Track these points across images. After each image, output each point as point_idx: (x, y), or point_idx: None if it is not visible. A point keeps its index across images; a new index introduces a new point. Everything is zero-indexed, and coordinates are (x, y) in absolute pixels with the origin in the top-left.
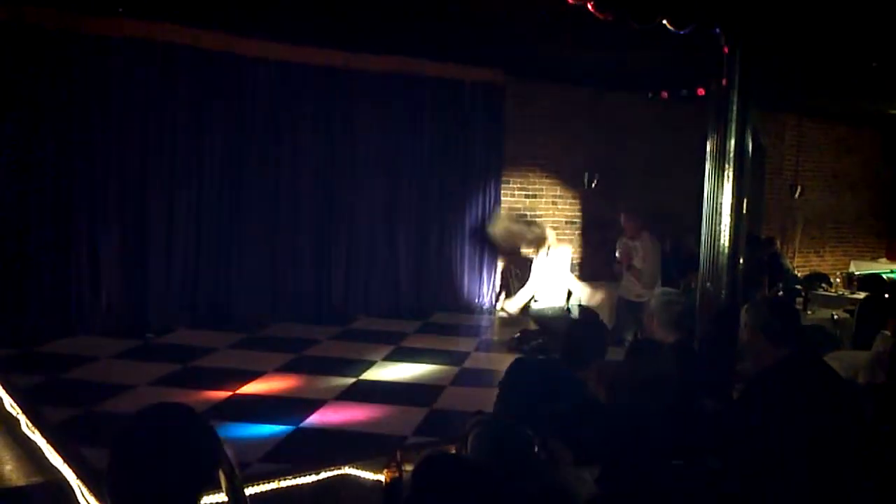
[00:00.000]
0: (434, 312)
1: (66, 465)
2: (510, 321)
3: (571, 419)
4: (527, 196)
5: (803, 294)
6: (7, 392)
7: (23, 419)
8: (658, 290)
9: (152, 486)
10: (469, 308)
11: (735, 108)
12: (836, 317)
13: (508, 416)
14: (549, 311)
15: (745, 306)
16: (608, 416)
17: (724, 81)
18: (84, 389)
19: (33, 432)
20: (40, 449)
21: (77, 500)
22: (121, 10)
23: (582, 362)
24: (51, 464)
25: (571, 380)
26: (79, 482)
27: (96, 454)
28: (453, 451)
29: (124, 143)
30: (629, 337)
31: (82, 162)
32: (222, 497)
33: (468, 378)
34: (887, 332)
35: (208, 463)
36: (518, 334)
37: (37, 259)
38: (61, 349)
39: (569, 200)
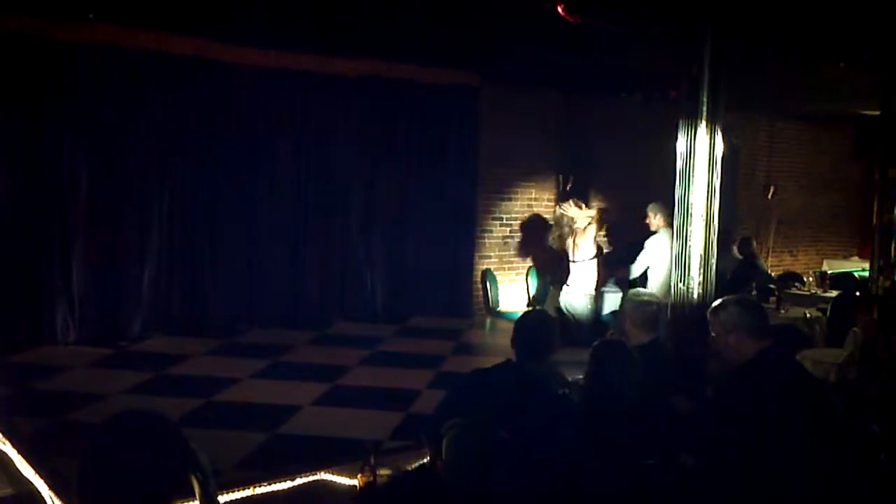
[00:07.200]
0: (411, 316)
1: (37, 477)
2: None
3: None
4: (501, 199)
5: (776, 293)
6: None
7: None
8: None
9: (123, 493)
10: (445, 311)
11: (705, 108)
12: (808, 315)
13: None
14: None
15: (711, 308)
16: (579, 416)
17: (693, 81)
18: (57, 399)
19: (4, 443)
20: (12, 460)
21: None
22: (91, 16)
23: (539, 359)
24: (22, 475)
25: (537, 376)
26: (51, 493)
27: (69, 465)
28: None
29: (96, 150)
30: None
31: (53, 168)
32: None
33: (445, 381)
34: (857, 330)
35: (180, 470)
36: None
37: (8, 267)
38: (33, 358)
39: (543, 203)
